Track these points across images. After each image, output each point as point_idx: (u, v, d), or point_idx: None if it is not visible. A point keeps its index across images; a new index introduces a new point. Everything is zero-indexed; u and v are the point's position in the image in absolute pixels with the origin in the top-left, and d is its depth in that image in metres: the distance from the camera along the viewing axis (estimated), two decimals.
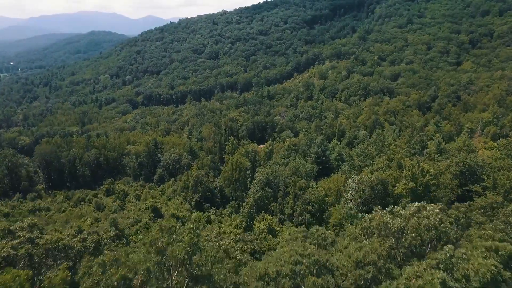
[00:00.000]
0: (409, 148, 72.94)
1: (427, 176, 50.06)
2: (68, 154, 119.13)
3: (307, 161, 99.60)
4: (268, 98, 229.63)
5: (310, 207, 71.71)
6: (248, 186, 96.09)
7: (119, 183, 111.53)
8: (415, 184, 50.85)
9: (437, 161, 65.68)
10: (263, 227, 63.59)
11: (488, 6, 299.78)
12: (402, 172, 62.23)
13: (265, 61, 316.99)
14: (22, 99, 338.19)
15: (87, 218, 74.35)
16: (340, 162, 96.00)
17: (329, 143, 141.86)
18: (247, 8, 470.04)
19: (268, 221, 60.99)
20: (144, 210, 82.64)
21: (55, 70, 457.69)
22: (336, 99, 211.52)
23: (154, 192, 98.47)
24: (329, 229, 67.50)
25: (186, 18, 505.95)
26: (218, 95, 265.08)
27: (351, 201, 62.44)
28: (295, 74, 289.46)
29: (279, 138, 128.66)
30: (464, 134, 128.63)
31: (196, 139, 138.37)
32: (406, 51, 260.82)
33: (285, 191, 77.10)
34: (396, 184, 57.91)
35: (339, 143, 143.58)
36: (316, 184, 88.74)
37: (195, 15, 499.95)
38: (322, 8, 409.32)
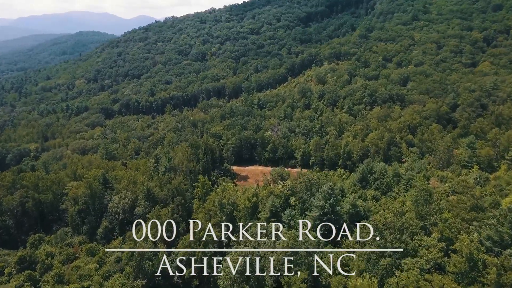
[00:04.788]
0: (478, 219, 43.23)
1: None
2: None
3: (307, 214, 70.20)
4: (258, 107, 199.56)
5: None
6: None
7: (49, 240, 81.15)
8: None
9: None
10: None
11: (500, 0, 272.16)
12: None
13: (256, 62, 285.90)
14: None
15: None
16: (355, 217, 66.66)
17: (334, 171, 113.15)
18: (237, 5, 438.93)
19: None
20: None
21: (31, 74, 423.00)
22: (337, 108, 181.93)
23: (88, 265, 67.99)
24: None
25: (173, 16, 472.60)
26: (203, 102, 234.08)
27: None
28: (290, 77, 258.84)
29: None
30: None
31: (164, 169, 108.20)
32: (414, 50, 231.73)
33: None
34: None
35: (345, 170, 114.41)
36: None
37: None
38: (317, 5, 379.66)
